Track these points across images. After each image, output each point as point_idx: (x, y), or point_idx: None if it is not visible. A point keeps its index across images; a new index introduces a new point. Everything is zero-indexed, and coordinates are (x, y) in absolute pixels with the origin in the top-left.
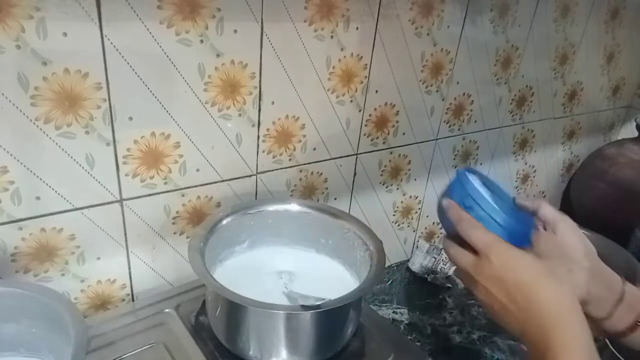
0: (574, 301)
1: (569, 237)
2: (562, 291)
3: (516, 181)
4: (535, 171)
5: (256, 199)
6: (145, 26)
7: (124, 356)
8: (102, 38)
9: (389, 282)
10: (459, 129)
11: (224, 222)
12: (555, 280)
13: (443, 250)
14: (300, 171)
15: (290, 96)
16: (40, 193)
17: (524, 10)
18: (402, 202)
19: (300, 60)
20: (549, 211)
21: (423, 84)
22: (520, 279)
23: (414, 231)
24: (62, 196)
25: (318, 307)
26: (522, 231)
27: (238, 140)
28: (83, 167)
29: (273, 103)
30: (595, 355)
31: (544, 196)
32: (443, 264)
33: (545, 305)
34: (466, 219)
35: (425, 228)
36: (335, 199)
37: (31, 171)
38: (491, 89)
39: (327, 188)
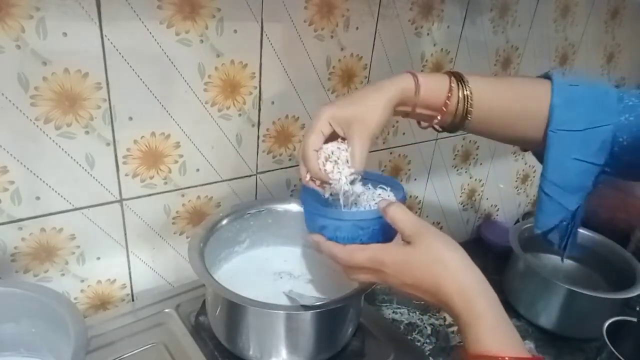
0: (467, 274)
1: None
2: (452, 273)
3: (516, 181)
4: (535, 171)
5: (256, 199)
6: (145, 26)
7: (124, 356)
8: (102, 38)
9: None
10: None
11: (224, 222)
12: (440, 262)
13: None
14: None
15: (290, 96)
16: (40, 193)
17: (524, 10)
18: None
19: (300, 60)
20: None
21: None
22: (417, 280)
23: None
24: (62, 196)
25: (318, 307)
26: (380, 222)
27: (238, 140)
28: (83, 167)
29: (273, 103)
30: (505, 320)
31: None
32: None
33: (449, 295)
34: (337, 250)
35: None
36: None
37: (31, 171)
38: None
39: None
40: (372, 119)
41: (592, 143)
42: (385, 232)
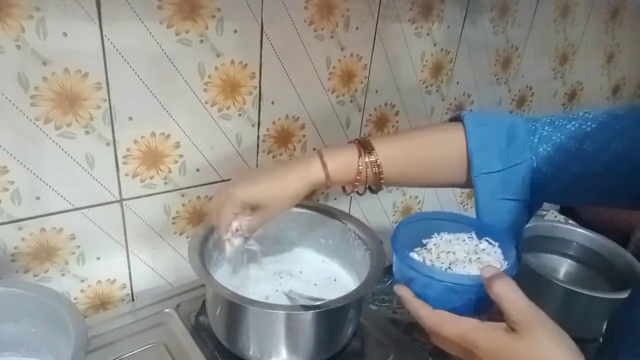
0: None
1: None
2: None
3: None
4: None
5: None
6: (145, 26)
7: (124, 356)
8: (102, 38)
9: (389, 282)
10: None
11: None
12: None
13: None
14: None
15: (290, 96)
16: (40, 193)
17: (524, 10)
18: (402, 202)
19: (300, 60)
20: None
21: (423, 84)
22: None
23: None
24: (62, 196)
25: (318, 307)
26: (480, 290)
27: (238, 140)
28: (83, 167)
29: (273, 103)
30: None
31: None
32: None
33: None
34: (425, 314)
35: None
36: (335, 199)
37: (31, 171)
38: (491, 89)
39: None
40: (278, 207)
41: (513, 181)
42: (482, 303)
